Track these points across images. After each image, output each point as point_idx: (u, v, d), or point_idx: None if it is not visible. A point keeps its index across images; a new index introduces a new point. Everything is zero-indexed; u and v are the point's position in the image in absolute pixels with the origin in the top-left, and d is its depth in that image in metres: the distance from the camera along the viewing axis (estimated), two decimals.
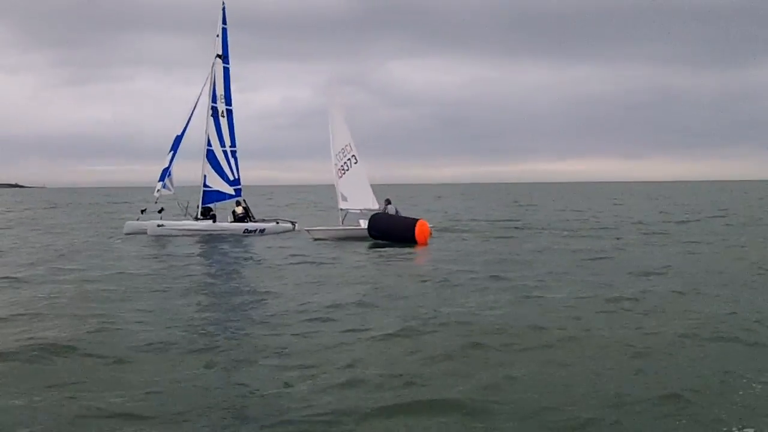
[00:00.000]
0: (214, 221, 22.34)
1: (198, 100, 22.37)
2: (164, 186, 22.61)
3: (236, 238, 21.04)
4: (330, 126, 21.97)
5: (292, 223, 23.88)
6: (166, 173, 22.66)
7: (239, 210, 23.17)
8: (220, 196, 22.83)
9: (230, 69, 22.59)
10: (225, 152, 22.31)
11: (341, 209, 21.89)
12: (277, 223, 23.58)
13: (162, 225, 21.19)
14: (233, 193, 22.80)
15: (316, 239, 20.45)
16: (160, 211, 22.31)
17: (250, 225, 22.60)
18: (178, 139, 22.50)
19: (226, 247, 19.03)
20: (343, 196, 21.68)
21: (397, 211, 22.63)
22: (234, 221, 22.79)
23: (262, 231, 22.34)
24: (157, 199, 22.86)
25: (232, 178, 22.63)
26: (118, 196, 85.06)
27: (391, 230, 19.96)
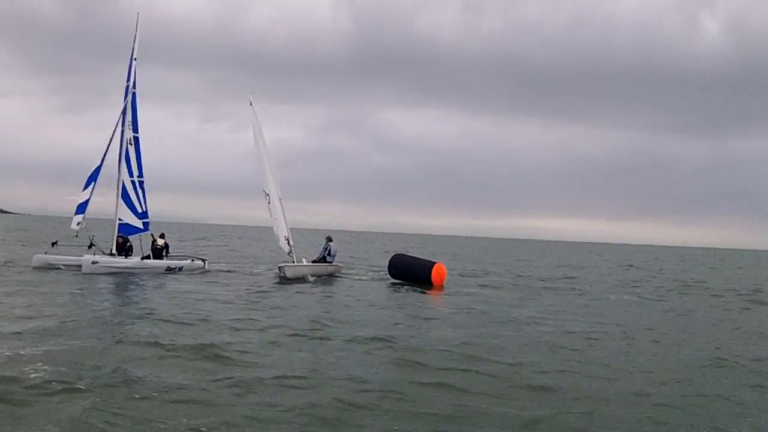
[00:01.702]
0: (130, 254, 21.16)
1: (115, 128, 21.17)
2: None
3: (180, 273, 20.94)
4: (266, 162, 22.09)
5: (203, 260, 23.36)
6: (86, 206, 21.40)
7: (161, 242, 22.24)
8: (130, 229, 21.41)
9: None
10: (133, 183, 20.95)
11: (291, 246, 21.86)
12: (192, 260, 22.96)
13: (96, 262, 19.78)
14: (141, 227, 21.38)
15: (286, 277, 20.33)
16: (89, 247, 20.85)
17: (171, 262, 21.92)
18: (97, 170, 21.25)
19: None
20: (285, 236, 21.89)
21: (333, 251, 23.22)
22: (153, 255, 21.70)
23: (180, 269, 21.78)
24: (77, 232, 21.74)
25: (140, 210, 21.23)
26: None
27: (408, 271, 21.14)
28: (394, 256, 22.67)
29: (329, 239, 23.30)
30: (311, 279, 20.81)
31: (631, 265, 45.97)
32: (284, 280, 20.48)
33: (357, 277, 23.34)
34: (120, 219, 21.07)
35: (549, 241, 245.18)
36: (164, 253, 22.20)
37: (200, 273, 21.90)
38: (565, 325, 13.31)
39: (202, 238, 60.11)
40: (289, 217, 22.23)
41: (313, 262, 22.77)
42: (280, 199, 21.95)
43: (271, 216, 22.11)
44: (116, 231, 21.04)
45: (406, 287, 19.94)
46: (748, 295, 23.32)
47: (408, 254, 24.18)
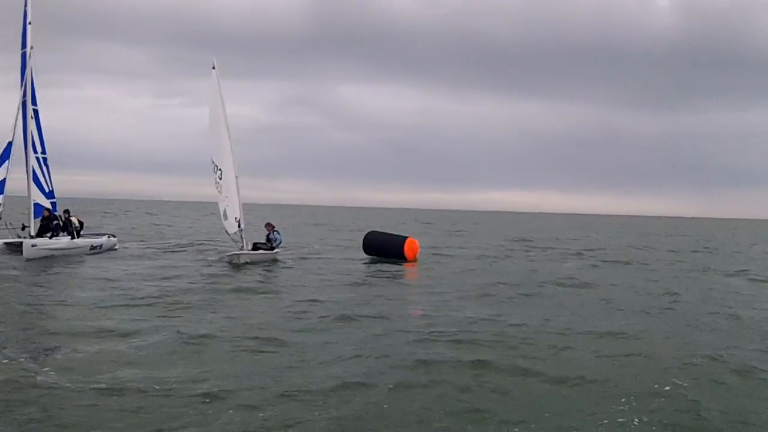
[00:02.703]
0: (56, 233, 19.93)
1: (20, 101, 19.62)
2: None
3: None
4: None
5: (113, 236, 22.90)
6: (2, 186, 19.84)
7: (76, 221, 21.03)
8: (40, 209, 20.07)
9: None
10: (38, 159, 19.51)
11: (241, 229, 20.12)
12: (109, 237, 22.38)
13: (35, 245, 18.51)
14: (50, 206, 20.07)
15: (238, 264, 18.80)
16: (23, 228, 19.49)
17: (94, 241, 21.17)
18: (8, 147, 19.74)
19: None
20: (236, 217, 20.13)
21: (276, 239, 21.28)
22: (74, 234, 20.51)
23: (101, 246, 21.27)
24: (0, 214, 20.32)
25: (47, 189, 19.91)
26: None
27: (382, 247, 21.88)
28: (367, 233, 23.15)
29: (271, 227, 21.32)
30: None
31: (556, 238, 47.29)
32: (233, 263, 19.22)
33: (331, 256, 23.04)
34: (32, 199, 19.86)
35: (507, 213, 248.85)
36: (80, 231, 21.16)
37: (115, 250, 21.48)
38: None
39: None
40: (246, 194, 20.76)
41: (254, 246, 20.90)
42: (236, 177, 20.26)
43: (220, 193, 20.35)
44: (32, 212, 19.75)
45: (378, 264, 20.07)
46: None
47: (381, 231, 24.69)
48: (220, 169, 20.11)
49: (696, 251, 33.94)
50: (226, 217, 20.44)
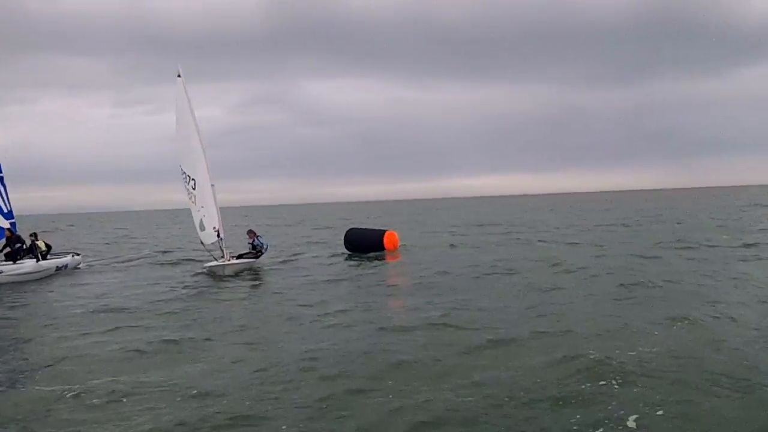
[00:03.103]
0: (19, 256, 19.43)
1: None
2: None
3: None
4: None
5: (78, 254, 22.71)
6: None
7: (42, 245, 20.54)
8: (2, 231, 19.63)
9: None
10: None
11: (221, 239, 19.19)
12: (73, 256, 22.01)
13: (1, 272, 17.93)
14: (10, 227, 19.61)
15: (222, 275, 18.17)
16: None
17: (59, 261, 20.69)
18: None
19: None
20: (214, 227, 19.18)
21: (262, 245, 20.71)
22: (38, 257, 19.87)
23: (66, 266, 20.89)
24: None
25: (6, 210, 19.43)
26: None
27: (363, 242, 22.69)
28: (348, 230, 23.97)
29: (253, 234, 20.81)
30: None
31: (525, 221, 48.18)
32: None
33: (312, 254, 23.25)
34: None
35: (478, 198, 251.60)
36: (48, 254, 20.77)
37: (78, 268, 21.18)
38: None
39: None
40: (218, 198, 19.51)
41: (240, 256, 20.15)
42: (212, 185, 19.26)
43: (195, 204, 19.39)
44: None
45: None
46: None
47: (360, 227, 25.57)
48: (193, 179, 19.20)
49: (661, 222, 35.03)
50: (203, 227, 19.52)
